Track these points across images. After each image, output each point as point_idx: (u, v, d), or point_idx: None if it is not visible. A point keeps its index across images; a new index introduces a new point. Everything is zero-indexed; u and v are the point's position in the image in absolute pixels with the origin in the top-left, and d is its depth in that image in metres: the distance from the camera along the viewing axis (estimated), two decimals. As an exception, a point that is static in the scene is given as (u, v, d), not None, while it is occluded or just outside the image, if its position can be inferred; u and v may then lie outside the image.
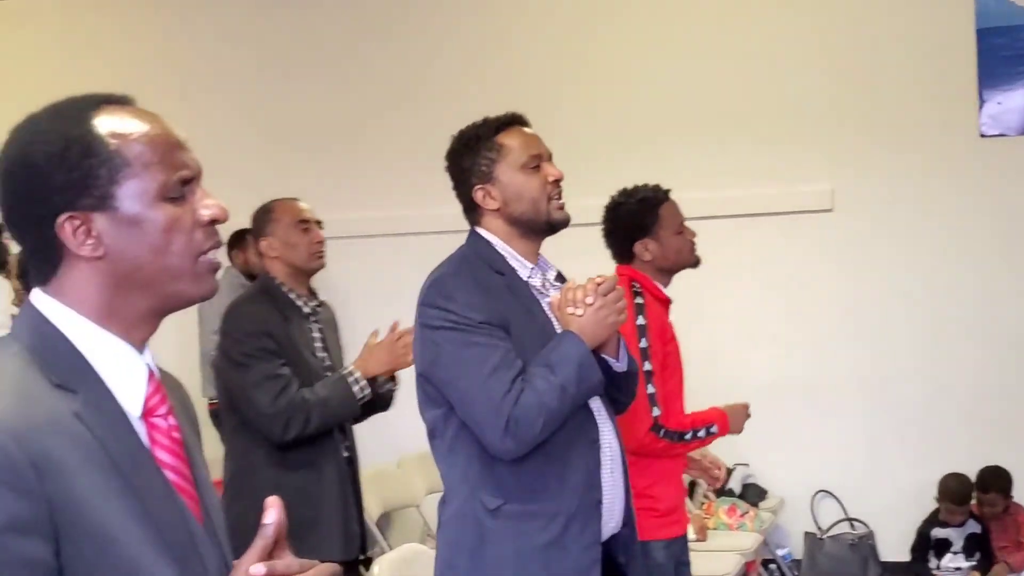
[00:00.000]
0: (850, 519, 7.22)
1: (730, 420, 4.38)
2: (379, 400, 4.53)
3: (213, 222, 1.75)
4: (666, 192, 4.44)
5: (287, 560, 1.67)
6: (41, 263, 1.73)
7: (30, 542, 1.53)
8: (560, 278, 3.46)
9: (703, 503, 6.83)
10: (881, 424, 7.25)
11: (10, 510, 1.52)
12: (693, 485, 7.01)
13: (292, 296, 4.46)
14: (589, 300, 3.18)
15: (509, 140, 3.33)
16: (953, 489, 6.80)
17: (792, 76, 7.39)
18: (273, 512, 1.68)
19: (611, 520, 3.33)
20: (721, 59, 7.50)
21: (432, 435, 3.35)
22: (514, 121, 3.39)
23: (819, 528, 7.19)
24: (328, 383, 4.35)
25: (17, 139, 1.72)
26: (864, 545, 6.99)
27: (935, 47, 7.20)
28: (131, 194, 1.69)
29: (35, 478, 1.54)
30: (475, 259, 3.32)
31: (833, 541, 7.04)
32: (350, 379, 4.38)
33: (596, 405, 3.33)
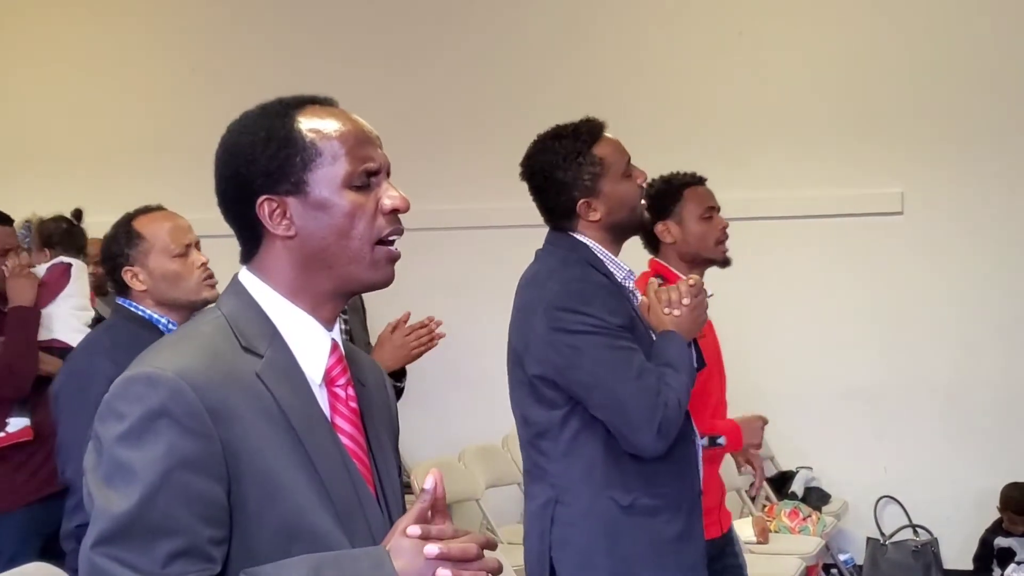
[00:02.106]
0: (914, 526, 7.17)
1: (744, 432, 4.14)
2: None
3: (394, 212, 1.94)
4: (699, 178, 4.26)
5: (442, 525, 1.82)
6: (246, 242, 1.95)
7: (201, 479, 1.74)
8: None
9: (765, 505, 6.80)
10: (947, 430, 7.18)
11: (183, 449, 1.73)
12: (755, 487, 6.99)
13: None
14: (686, 301, 3.32)
15: (605, 151, 3.40)
16: (1014, 499, 6.72)
17: (863, 77, 7.33)
18: (431, 479, 1.85)
19: None
20: (791, 60, 7.46)
21: (542, 436, 3.40)
22: (602, 129, 3.45)
23: (882, 534, 7.13)
24: None
25: (232, 131, 1.95)
26: (927, 552, 6.92)
27: (1010, 48, 7.12)
28: (321, 181, 1.89)
29: (211, 423, 1.75)
30: (584, 263, 3.39)
31: (896, 547, 6.97)
32: None
33: None
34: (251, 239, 1.94)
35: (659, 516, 3.34)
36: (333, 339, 1.96)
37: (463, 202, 7.80)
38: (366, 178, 1.92)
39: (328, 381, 1.94)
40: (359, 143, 1.93)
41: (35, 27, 8.96)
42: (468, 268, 7.69)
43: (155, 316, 3.63)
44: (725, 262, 4.19)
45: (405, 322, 4.29)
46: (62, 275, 5.00)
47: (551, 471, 3.40)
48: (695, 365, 3.41)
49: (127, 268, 3.64)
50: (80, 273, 5.09)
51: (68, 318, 4.84)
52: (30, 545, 4.52)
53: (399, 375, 4.38)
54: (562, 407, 3.33)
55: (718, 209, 4.21)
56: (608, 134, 3.45)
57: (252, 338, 1.88)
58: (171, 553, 1.70)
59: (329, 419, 1.93)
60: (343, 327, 4.37)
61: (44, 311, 4.93)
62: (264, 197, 1.89)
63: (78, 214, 5.33)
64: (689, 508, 3.41)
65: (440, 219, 7.52)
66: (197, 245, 3.71)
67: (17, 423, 4.62)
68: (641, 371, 3.23)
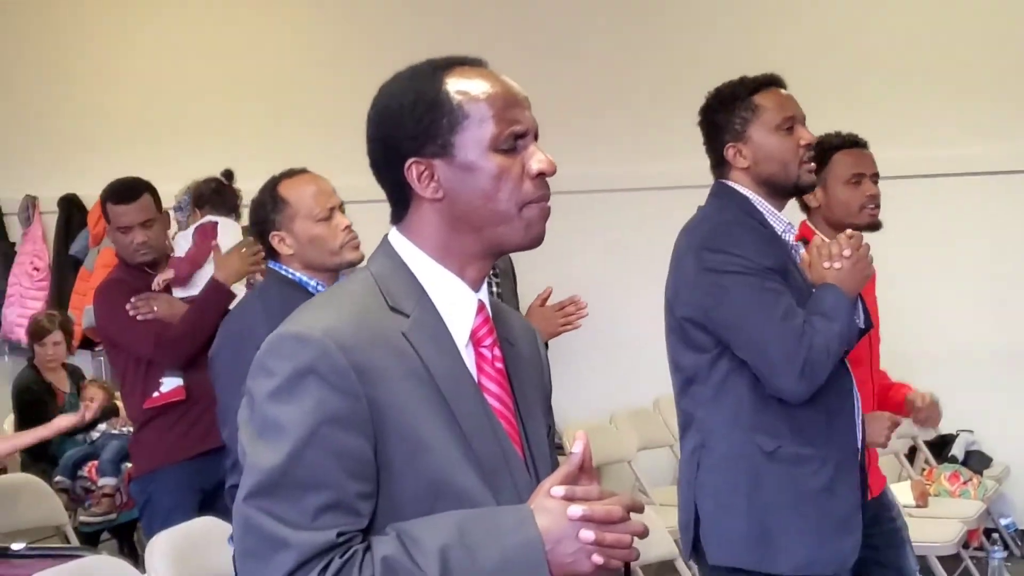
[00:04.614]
0: (1079, 491, 6.98)
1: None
2: None
3: (541, 175, 1.92)
4: (854, 140, 4.08)
5: (588, 487, 1.82)
6: (395, 203, 1.97)
7: (348, 435, 1.77)
8: None
9: (924, 469, 6.68)
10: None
11: (331, 406, 1.77)
12: (914, 450, 6.86)
13: None
14: (847, 253, 3.26)
15: (765, 101, 3.42)
16: None
17: (1002, 25, 7.08)
18: (579, 443, 1.86)
19: None
20: (924, 8, 7.26)
21: (691, 381, 3.44)
22: (771, 82, 3.48)
23: (1045, 498, 6.96)
24: None
25: (382, 94, 1.97)
26: (1092, 517, 6.74)
27: None
28: (467, 144, 1.89)
29: (357, 381, 1.78)
30: (739, 211, 3.42)
31: (1060, 512, 6.80)
32: None
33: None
34: (400, 201, 1.95)
35: (804, 466, 3.32)
36: (480, 299, 1.97)
37: (616, 165, 7.70)
38: (513, 141, 1.91)
39: (475, 341, 1.96)
40: (507, 105, 1.92)
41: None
42: (622, 231, 7.63)
43: (303, 278, 3.73)
44: (872, 227, 3.99)
45: (547, 298, 4.30)
46: (208, 234, 5.02)
47: (699, 416, 3.44)
48: (862, 325, 3.38)
49: (274, 233, 3.74)
50: (227, 231, 5.08)
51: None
52: (187, 499, 4.62)
53: None
54: (711, 350, 3.37)
55: (872, 175, 4.05)
56: (783, 91, 3.48)
57: (399, 298, 1.90)
58: (320, 507, 1.74)
59: (475, 379, 1.93)
60: (496, 290, 4.41)
61: None
62: (412, 160, 1.90)
63: (229, 174, 5.36)
64: (839, 461, 3.36)
65: (592, 182, 7.48)
66: (341, 208, 3.79)
67: (170, 383, 4.71)
68: (787, 313, 3.23)
